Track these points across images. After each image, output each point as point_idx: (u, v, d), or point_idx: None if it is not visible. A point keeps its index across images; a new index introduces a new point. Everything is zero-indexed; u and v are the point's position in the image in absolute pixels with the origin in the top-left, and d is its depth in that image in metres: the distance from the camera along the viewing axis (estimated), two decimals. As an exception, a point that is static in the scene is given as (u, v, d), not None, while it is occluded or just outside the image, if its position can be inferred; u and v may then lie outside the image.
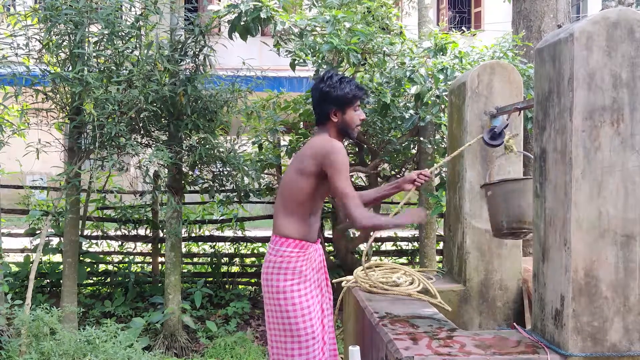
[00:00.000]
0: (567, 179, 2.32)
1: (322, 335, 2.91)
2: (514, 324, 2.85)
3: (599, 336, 2.31)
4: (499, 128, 3.37)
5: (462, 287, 3.60)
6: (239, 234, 6.96)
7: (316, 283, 2.96)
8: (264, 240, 7.04)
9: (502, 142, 3.41)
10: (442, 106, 4.99)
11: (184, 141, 5.29)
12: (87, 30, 4.59)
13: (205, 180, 5.72)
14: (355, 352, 2.61)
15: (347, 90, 2.87)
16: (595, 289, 2.31)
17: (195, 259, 7.32)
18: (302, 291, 2.84)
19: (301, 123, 6.19)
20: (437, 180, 5.73)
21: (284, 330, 2.85)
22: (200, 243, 7.33)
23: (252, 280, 7.17)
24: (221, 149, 5.32)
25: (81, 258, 6.13)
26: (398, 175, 6.08)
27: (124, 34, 4.76)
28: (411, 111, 5.22)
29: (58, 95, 4.88)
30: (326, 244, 6.57)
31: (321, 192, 2.88)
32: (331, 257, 6.43)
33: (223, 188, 5.86)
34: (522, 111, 3.42)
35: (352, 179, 6.80)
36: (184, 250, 6.89)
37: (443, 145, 5.34)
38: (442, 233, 6.33)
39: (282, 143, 6.28)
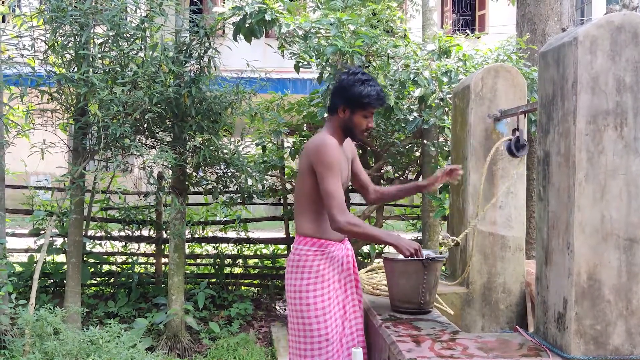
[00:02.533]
0: (570, 182, 2.33)
1: (339, 338, 2.84)
2: (517, 327, 2.85)
3: (601, 339, 2.31)
4: (513, 143, 3.32)
5: (465, 289, 3.60)
6: (242, 235, 6.96)
7: (339, 284, 2.89)
8: (267, 241, 7.06)
9: (526, 153, 3.37)
10: (446, 109, 4.99)
11: (188, 142, 5.30)
12: (92, 31, 4.61)
13: (209, 182, 5.73)
14: (358, 353, 2.62)
15: (364, 94, 2.74)
16: (598, 292, 2.31)
17: (198, 260, 7.33)
18: (317, 291, 2.78)
19: (305, 125, 6.20)
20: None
21: (299, 331, 2.82)
22: (203, 244, 7.34)
23: (255, 282, 7.18)
24: (225, 151, 5.33)
25: (85, 258, 6.15)
26: (401, 178, 6.08)
27: (129, 35, 4.78)
28: (415, 114, 5.22)
29: (63, 96, 4.90)
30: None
31: None
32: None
33: (227, 189, 5.87)
34: (525, 114, 3.42)
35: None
36: (187, 251, 6.90)
37: (447, 148, 5.34)
38: (445, 236, 6.32)
39: (286, 145, 6.30)
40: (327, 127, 2.87)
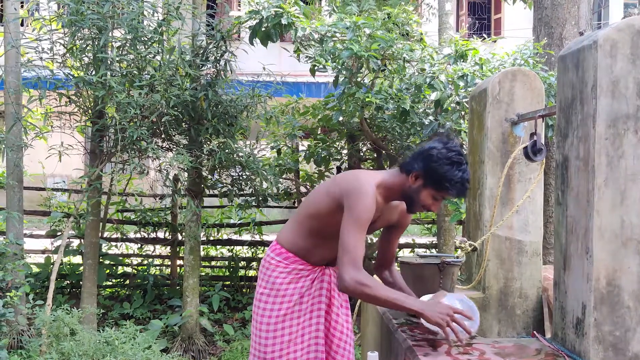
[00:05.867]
0: (589, 186, 2.30)
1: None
2: (534, 332, 2.83)
3: (620, 346, 2.29)
4: (530, 147, 3.29)
5: (481, 294, 3.57)
6: (257, 237, 6.98)
7: (304, 305, 2.60)
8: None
9: (543, 157, 3.34)
10: (462, 113, 4.97)
11: (204, 145, 5.33)
12: (110, 35, 4.65)
13: (225, 184, 5.75)
14: (374, 357, 2.61)
15: (449, 177, 2.38)
16: (617, 298, 2.28)
17: (213, 263, 7.36)
18: (269, 305, 2.54)
19: (320, 128, 6.20)
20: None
21: (254, 335, 2.62)
22: (218, 246, 7.37)
23: (269, 285, 7.16)
24: (240, 154, 5.35)
25: (101, 260, 6.20)
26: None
27: (146, 38, 4.82)
28: (431, 117, 5.21)
29: (81, 99, 4.96)
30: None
31: (335, 221, 2.43)
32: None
33: (242, 192, 5.89)
34: (543, 118, 3.40)
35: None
36: (202, 253, 6.94)
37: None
38: (461, 240, 6.28)
39: (301, 148, 6.31)
40: (389, 177, 2.52)
